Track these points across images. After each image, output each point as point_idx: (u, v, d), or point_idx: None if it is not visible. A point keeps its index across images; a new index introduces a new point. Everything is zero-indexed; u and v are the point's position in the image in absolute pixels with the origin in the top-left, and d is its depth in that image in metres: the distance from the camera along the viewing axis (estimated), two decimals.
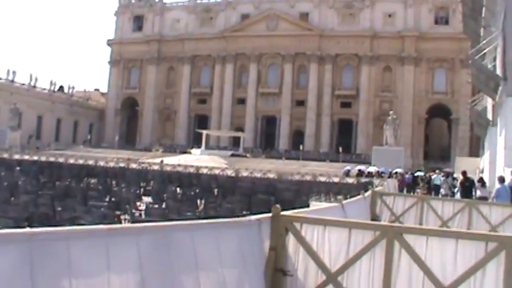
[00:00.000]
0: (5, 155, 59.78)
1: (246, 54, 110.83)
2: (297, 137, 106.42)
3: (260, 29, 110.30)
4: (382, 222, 13.53)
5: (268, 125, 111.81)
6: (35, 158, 58.52)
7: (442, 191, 36.97)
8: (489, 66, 31.08)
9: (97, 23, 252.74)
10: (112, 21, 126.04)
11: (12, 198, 20.26)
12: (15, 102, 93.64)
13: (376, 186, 32.36)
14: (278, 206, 7.51)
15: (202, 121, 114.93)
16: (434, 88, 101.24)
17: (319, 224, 7.32)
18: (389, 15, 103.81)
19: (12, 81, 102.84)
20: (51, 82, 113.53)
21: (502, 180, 23.07)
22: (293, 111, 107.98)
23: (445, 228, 12.45)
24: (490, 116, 37.26)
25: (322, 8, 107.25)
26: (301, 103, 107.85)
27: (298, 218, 7.55)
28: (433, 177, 46.21)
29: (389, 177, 55.67)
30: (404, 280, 6.72)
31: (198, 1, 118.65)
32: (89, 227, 5.19)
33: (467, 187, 29.76)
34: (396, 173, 55.44)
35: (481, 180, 27.13)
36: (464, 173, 29.87)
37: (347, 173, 60.26)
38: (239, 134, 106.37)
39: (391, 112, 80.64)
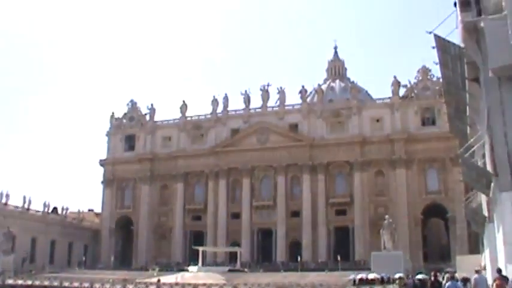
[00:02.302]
0: None
1: (238, 168, 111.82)
2: (294, 248, 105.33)
3: (251, 143, 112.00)
4: None
5: (265, 238, 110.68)
6: (29, 282, 57.81)
7: None
8: (479, 163, 31.23)
9: (89, 143, 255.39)
10: (104, 141, 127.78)
11: None
12: (8, 225, 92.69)
13: None
14: None
15: (198, 237, 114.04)
16: (427, 188, 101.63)
17: None
18: (377, 120, 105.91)
19: (6, 204, 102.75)
20: (44, 204, 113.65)
21: (478, 271, 25.07)
22: (288, 223, 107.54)
23: None
24: (485, 213, 37.03)
25: (310, 118, 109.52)
26: (296, 214, 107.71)
27: None
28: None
29: (388, 282, 54.85)
30: None
31: (188, 118, 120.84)
32: None
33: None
34: (400, 278, 54.45)
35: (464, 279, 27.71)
36: (435, 275, 31.63)
37: (353, 282, 59.65)
38: (235, 248, 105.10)
39: (386, 216, 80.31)
